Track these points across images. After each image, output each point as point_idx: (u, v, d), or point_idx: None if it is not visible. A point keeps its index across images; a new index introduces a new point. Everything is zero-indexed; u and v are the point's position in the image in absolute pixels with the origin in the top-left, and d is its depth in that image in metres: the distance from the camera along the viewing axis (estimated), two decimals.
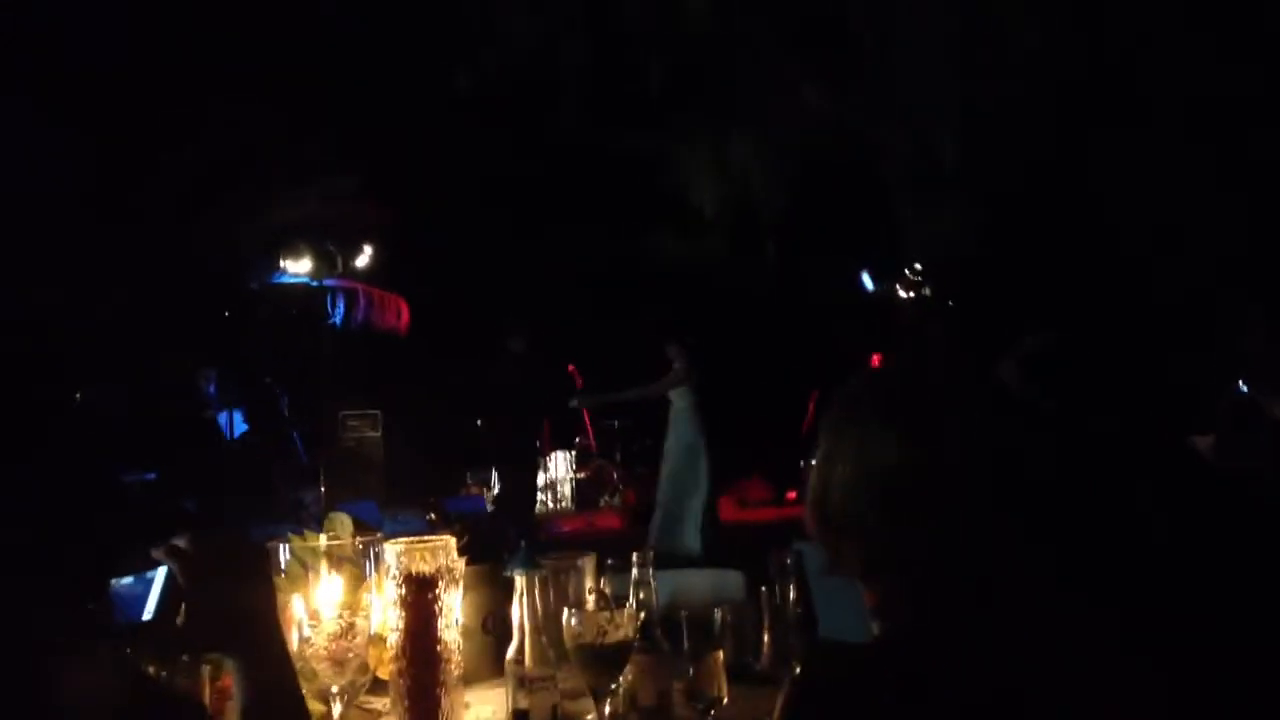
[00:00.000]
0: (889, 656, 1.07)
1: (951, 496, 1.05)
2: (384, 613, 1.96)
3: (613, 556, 2.01)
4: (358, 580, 2.03)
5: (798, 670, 1.68)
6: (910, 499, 1.06)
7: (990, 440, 1.07)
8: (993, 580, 1.04)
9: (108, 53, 7.93)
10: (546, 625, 1.70)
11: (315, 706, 1.87)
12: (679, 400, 7.79)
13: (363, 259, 10.88)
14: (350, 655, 1.66)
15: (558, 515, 9.12)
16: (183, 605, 1.32)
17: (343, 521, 2.18)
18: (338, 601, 1.80)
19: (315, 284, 10.47)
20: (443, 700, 1.91)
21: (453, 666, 1.92)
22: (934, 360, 1.18)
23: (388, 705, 1.97)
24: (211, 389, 9.19)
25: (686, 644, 1.77)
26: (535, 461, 9.15)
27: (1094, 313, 8.39)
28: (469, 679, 1.98)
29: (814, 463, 1.15)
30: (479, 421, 9.76)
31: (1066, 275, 9.55)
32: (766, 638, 1.82)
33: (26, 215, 7.46)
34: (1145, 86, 8.71)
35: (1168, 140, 8.88)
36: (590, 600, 1.86)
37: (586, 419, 10.10)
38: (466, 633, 1.99)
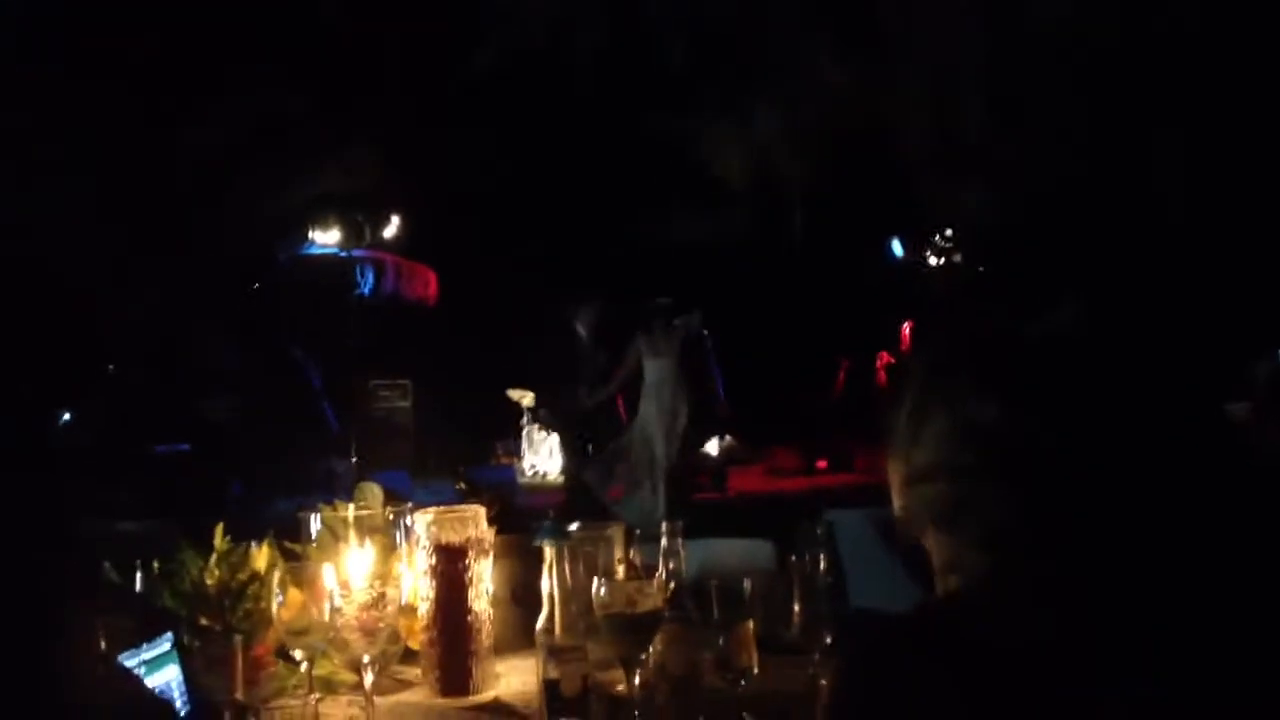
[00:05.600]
0: (937, 620, 1.06)
1: (1048, 455, 1.05)
2: (415, 582, 1.97)
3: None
4: (388, 550, 2.03)
5: (840, 641, 1.67)
6: (1005, 454, 1.06)
7: (1086, 403, 1.07)
8: (1069, 541, 1.04)
9: (132, 27, 7.95)
10: (576, 595, 1.70)
11: (347, 676, 1.88)
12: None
13: (390, 229, 10.90)
14: (381, 625, 1.67)
15: None
16: None
17: (373, 491, 2.19)
18: (368, 571, 1.81)
19: (344, 255, 10.50)
20: (473, 669, 1.92)
21: (483, 636, 1.93)
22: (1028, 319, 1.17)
23: (419, 675, 1.98)
24: (317, 381, 9.30)
25: (717, 614, 1.77)
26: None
27: (1128, 280, 8.31)
28: (499, 649, 1.99)
29: (902, 414, 1.15)
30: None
31: (1099, 242, 9.46)
32: (797, 608, 1.81)
33: (58, 199, 7.52)
34: (1176, 54, 8.58)
35: (1201, 106, 8.76)
36: (620, 570, 1.85)
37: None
38: (496, 603, 2.00)
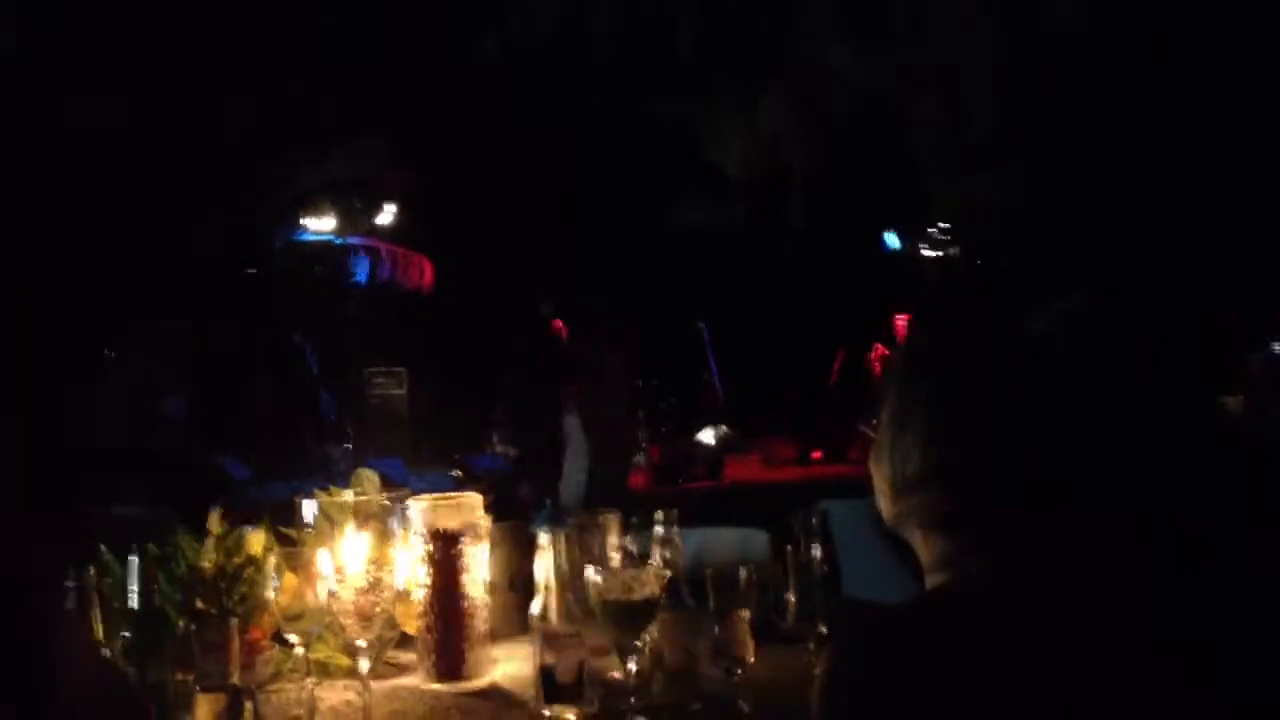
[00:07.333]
0: (930, 611, 1.07)
1: (1032, 452, 1.06)
2: (410, 568, 1.97)
3: (637, 514, 2.01)
4: (384, 536, 2.04)
5: (833, 630, 1.68)
6: (991, 453, 1.06)
7: (1072, 397, 1.07)
8: (1063, 533, 1.04)
9: (133, 22, 7.92)
10: (572, 582, 1.70)
11: (343, 661, 1.89)
12: None
13: (385, 217, 10.88)
14: (377, 610, 1.67)
15: None
16: None
17: (370, 478, 2.19)
18: (365, 557, 1.81)
19: (339, 242, 10.49)
20: (468, 655, 1.92)
21: (478, 622, 1.93)
22: (995, 316, 1.18)
23: (415, 660, 1.99)
24: (315, 366, 9.33)
25: (712, 603, 1.77)
26: (556, 422, 9.10)
27: (1125, 273, 8.30)
28: (495, 635, 1.99)
29: (882, 420, 1.15)
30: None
31: (1097, 236, 9.45)
32: (792, 597, 1.81)
33: (60, 185, 7.50)
34: (1184, 53, 8.57)
35: (1207, 104, 8.75)
36: (615, 557, 1.86)
37: None
38: (492, 589, 2.00)
